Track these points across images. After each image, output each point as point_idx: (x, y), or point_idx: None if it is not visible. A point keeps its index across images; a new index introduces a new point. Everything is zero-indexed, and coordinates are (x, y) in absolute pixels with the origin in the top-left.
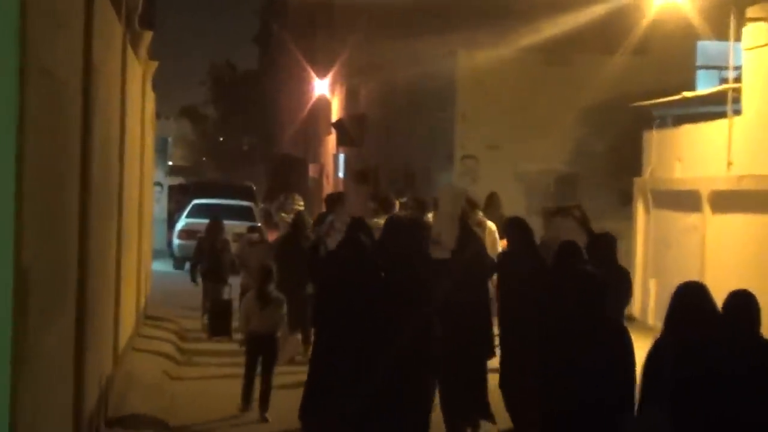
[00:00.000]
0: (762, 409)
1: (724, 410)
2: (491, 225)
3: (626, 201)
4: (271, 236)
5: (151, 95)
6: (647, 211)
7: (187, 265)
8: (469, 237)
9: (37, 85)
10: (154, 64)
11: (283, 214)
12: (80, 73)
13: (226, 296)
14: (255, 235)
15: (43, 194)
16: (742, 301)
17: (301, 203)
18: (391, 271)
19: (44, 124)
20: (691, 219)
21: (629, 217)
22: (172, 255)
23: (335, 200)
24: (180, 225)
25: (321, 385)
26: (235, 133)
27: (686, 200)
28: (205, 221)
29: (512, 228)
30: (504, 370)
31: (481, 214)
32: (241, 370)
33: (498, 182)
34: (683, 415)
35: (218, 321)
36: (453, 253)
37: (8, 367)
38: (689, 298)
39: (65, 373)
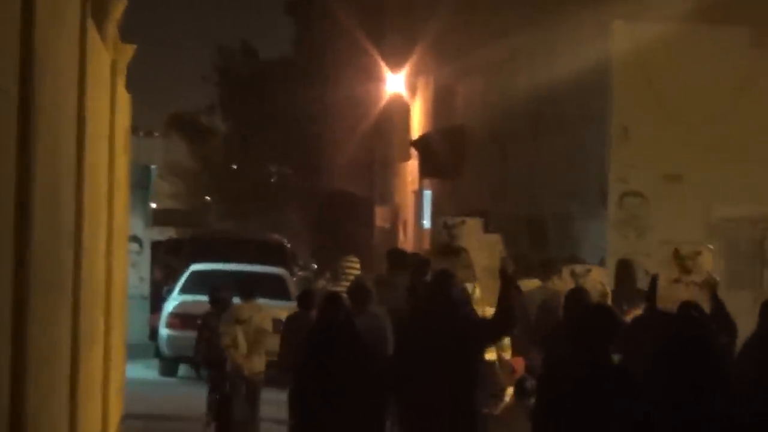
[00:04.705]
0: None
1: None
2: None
3: None
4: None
5: (125, 98)
6: None
7: (181, 370)
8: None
9: None
10: (130, 50)
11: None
12: (16, 64)
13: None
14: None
15: None
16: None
17: (357, 266)
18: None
19: None
20: None
21: None
22: (157, 353)
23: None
24: (170, 306)
25: None
26: (256, 156)
27: None
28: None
29: None
30: None
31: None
32: None
33: (680, 233)
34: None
35: (221, 420)
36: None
37: None
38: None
39: None
